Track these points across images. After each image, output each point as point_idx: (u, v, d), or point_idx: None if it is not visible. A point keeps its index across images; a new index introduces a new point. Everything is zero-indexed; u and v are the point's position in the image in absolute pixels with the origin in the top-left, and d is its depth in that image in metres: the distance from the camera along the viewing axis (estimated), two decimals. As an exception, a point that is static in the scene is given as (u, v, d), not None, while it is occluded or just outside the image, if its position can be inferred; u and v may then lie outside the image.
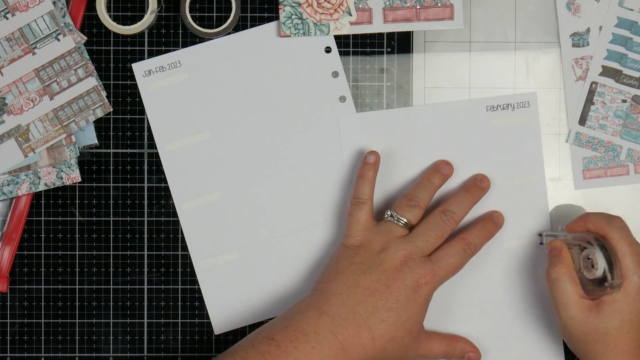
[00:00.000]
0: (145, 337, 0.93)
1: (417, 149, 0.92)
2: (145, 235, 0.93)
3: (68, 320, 0.93)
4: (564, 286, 0.83)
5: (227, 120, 0.92)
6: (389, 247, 0.85)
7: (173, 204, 0.92)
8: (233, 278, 0.92)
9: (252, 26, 0.92)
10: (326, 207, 0.92)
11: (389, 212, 0.87)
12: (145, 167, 0.93)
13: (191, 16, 0.92)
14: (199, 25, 0.92)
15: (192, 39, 0.92)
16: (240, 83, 0.92)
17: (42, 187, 0.91)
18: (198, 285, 0.92)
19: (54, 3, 0.90)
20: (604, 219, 0.85)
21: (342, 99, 0.92)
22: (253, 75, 0.92)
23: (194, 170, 0.92)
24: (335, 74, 0.92)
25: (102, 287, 0.93)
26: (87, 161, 0.93)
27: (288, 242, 0.92)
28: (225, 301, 0.92)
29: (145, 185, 0.93)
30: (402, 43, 0.93)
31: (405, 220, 0.87)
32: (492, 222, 0.90)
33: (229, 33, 0.92)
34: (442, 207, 0.87)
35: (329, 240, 0.92)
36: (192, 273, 0.93)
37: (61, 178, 0.91)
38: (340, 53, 0.92)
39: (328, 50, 0.92)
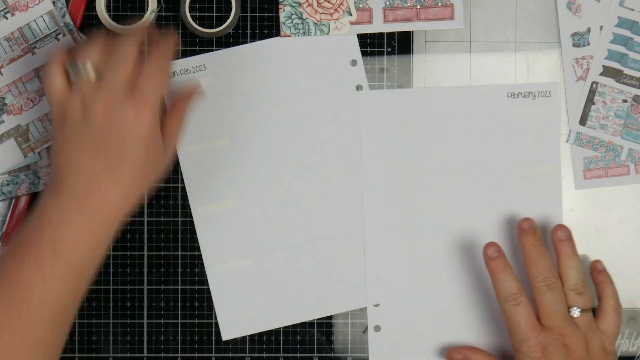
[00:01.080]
0: (145, 337, 0.93)
1: (435, 129, 0.92)
2: (145, 235, 0.93)
3: (68, 321, 0.93)
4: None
5: (248, 127, 0.92)
6: (86, 102, 0.78)
7: (173, 204, 0.92)
8: (245, 285, 0.92)
9: (252, 26, 0.92)
10: (344, 218, 0.92)
11: (71, 62, 0.79)
12: (145, 167, 0.92)
13: (191, 16, 0.92)
14: (199, 25, 0.92)
15: (192, 39, 0.92)
16: (264, 90, 0.91)
17: (41, 187, 0.91)
18: (198, 285, 0.92)
19: (53, 3, 0.90)
20: None
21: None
22: (277, 83, 0.91)
23: (212, 175, 0.92)
24: (359, 87, 0.92)
25: (102, 287, 0.93)
26: (87, 161, 0.92)
27: (303, 253, 0.92)
28: (235, 307, 0.92)
29: (145, 185, 0.92)
30: (402, 43, 0.93)
31: (88, 67, 0.78)
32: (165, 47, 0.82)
33: (229, 33, 0.92)
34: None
35: (345, 253, 0.92)
36: (192, 273, 0.92)
37: (61, 178, 0.91)
38: (341, 53, 0.92)
39: (354, 63, 0.92)
